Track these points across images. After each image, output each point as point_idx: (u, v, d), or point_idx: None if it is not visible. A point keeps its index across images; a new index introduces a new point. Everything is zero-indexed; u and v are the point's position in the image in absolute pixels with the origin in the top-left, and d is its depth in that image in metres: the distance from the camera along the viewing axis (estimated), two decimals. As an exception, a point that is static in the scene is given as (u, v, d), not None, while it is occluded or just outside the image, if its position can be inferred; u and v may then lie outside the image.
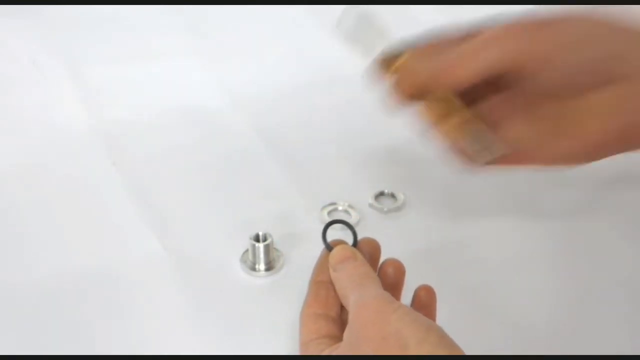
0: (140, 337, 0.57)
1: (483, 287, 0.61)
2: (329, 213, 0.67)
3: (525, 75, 0.49)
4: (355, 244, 0.53)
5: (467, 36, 0.52)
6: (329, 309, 0.50)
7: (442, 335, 0.43)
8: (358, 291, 0.47)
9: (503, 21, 0.51)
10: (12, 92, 0.81)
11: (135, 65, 0.85)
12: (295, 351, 0.55)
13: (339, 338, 0.48)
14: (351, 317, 0.46)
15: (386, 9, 0.94)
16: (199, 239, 0.64)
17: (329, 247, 0.52)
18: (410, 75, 0.52)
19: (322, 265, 0.52)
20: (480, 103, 0.53)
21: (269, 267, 0.61)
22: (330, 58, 0.87)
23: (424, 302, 0.51)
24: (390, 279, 0.52)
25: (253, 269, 0.61)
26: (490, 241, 0.64)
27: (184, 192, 0.69)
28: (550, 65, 0.48)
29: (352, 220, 0.66)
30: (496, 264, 0.63)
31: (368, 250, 0.52)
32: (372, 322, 0.44)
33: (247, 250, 0.62)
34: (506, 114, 0.52)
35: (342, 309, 0.51)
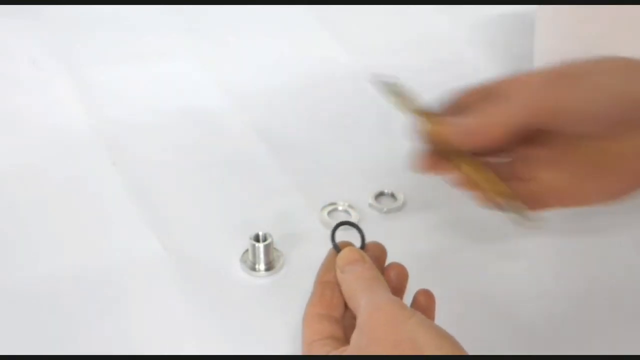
0: (141, 337, 0.57)
1: (483, 288, 0.61)
2: (329, 213, 0.67)
3: (552, 128, 0.50)
4: (363, 246, 0.52)
5: (489, 93, 0.52)
6: (333, 310, 0.50)
7: (456, 345, 0.44)
8: (368, 294, 0.47)
9: (523, 74, 0.51)
10: (12, 92, 0.81)
11: (135, 65, 0.85)
12: (295, 351, 0.55)
13: (342, 340, 0.48)
14: (362, 319, 0.46)
15: (386, 9, 0.94)
16: (199, 239, 0.64)
17: (337, 248, 0.52)
18: (439, 135, 0.52)
19: (329, 266, 0.52)
20: (511, 153, 0.53)
21: (269, 267, 0.61)
22: (330, 58, 0.87)
23: (423, 305, 0.51)
24: (392, 283, 0.51)
25: (253, 269, 0.61)
26: (490, 242, 0.64)
27: (184, 192, 0.69)
28: (576, 117, 0.49)
29: (352, 221, 0.66)
30: (496, 265, 0.63)
31: (375, 254, 0.52)
32: (385, 326, 0.44)
33: (247, 250, 0.62)
34: (539, 163, 0.53)
35: (345, 312, 0.51)
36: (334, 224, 0.65)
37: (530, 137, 0.51)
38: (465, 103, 0.52)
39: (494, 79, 0.53)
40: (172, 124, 0.77)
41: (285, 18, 0.93)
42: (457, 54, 0.88)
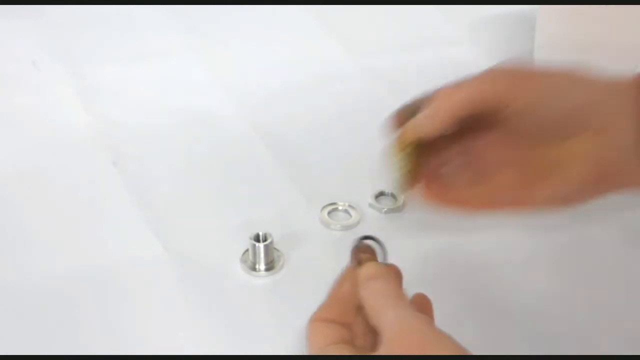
0: (141, 337, 0.57)
1: (483, 288, 0.61)
2: (329, 213, 0.67)
3: (503, 117, 0.51)
4: (385, 260, 0.51)
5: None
6: (343, 319, 0.49)
7: None
8: (396, 311, 0.46)
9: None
10: (13, 93, 0.81)
11: (135, 65, 0.85)
12: (295, 351, 0.55)
13: (357, 349, 0.48)
14: (389, 336, 0.45)
15: (386, 9, 0.94)
16: (199, 239, 0.64)
17: (359, 262, 0.50)
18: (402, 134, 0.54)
19: (344, 280, 0.50)
20: (472, 140, 0.55)
21: (269, 267, 0.61)
22: (330, 58, 0.87)
23: (420, 309, 0.51)
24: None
25: (253, 269, 0.61)
26: (491, 242, 0.64)
27: (185, 192, 0.69)
28: (530, 111, 0.51)
29: (352, 220, 0.66)
30: (497, 265, 0.63)
31: (396, 268, 0.51)
32: (417, 345, 0.44)
33: (247, 250, 0.62)
34: (495, 157, 0.55)
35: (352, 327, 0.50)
36: (334, 223, 0.66)
37: (492, 125, 0.53)
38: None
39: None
40: (173, 124, 0.77)
41: (285, 18, 0.94)
42: (456, 54, 0.88)
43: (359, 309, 0.49)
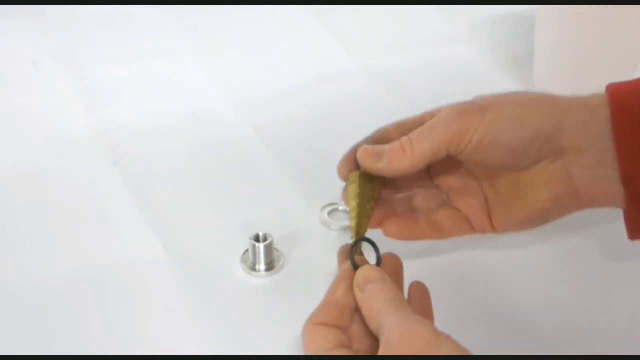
0: (141, 337, 0.57)
1: (482, 287, 0.61)
2: (329, 213, 0.67)
3: (466, 152, 0.52)
4: (379, 262, 0.50)
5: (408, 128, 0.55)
6: (341, 323, 0.49)
7: None
8: (396, 316, 0.46)
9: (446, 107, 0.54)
10: (12, 93, 0.81)
11: (135, 65, 0.85)
12: (295, 351, 0.55)
13: (357, 352, 0.48)
14: (390, 341, 0.45)
15: (386, 9, 0.94)
16: (199, 239, 0.64)
17: (355, 265, 0.49)
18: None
19: (341, 283, 0.50)
20: (441, 176, 0.57)
21: (269, 267, 0.61)
22: (330, 58, 0.87)
23: (417, 297, 0.51)
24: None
25: (253, 269, 0.61)
26: (489, 241, 0.64)
27: (185, 192, 0.69)
28: (487, 144, 0.52)
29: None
30: (495, 264, 0.63)
31: (392, 267, 0.51)
32: (419, 349, 0.43)
33: (247, 250, 0.62)
34: (453, 192, 0.56)
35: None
36: (334, 223, 0.66)
37: (446, 167, 0.55)
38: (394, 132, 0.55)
39: (413, 116, 0.56)
40: (173, 124, 0.77)
41: (286, 18, 0.94)
42: (457, 54, 0.88)
43: (355, 312, 0.49)
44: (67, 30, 0.90)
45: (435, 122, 0.53)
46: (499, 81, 0.83)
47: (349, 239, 0.53)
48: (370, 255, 0.51)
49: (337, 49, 0.88)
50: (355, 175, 0.54)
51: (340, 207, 0.67)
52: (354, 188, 0.53)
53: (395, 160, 0.52)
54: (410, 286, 0.52)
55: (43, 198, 0.68)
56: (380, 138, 0.55)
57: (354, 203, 0.52)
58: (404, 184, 0.57)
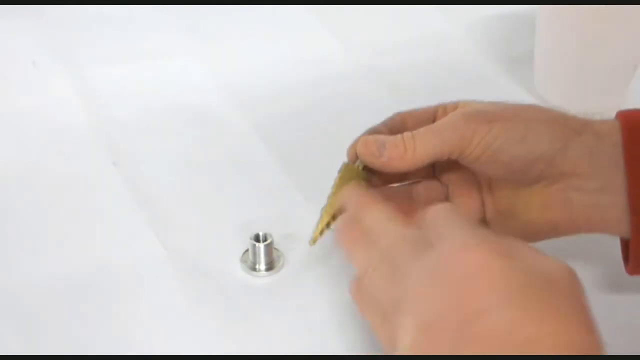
0: (140, 337, 0.57)
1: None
2: (329, 213, 0.67)
3: (467, 164, 0.53)
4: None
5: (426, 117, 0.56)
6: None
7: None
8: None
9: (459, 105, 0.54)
10: (12, 93, 0.81)
11: (135, 65, 0.85)
12: (295, 351, 0.55)
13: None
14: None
15: (386, 8, 0.94)
16: (200, 239, 0.64)
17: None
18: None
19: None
20: (444, 171, 0.57)
21: (269, 267, 0.62)
22: (330, 58, 0.87)
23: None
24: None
25: (253, 269, 0.61)
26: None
27: (185, 192, 0.69)
28: (488, 161, 0.52)
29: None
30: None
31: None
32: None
33: (247, 250, 0.62)
34: (462, 188, 0.56)
35: None
36: (334, 223, 0.65)
37: (450, 164, 0.55)
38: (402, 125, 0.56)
39: (427, 107, 0.56)
40: (173, 124, 0.77)
41: (285, 18, 0.93)
42: (456, 54, 0.88)
43: None
44: (67, 30, 0.90)
45: (442, 125, 0.52)
46: (498, 81, 0.83)
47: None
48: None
49: (338, 48, 0.88)
50: (344, 167, 0.55)
51: (340, 207, 0.67)
52: (337, 178, 0.54)
53: (396, 159, 0.52)
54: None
55: (42, 198, 0.68)
56: (396, 125, 0.56)
57: (331, 194, 0.54)
58: (405, 174, 0.57)
